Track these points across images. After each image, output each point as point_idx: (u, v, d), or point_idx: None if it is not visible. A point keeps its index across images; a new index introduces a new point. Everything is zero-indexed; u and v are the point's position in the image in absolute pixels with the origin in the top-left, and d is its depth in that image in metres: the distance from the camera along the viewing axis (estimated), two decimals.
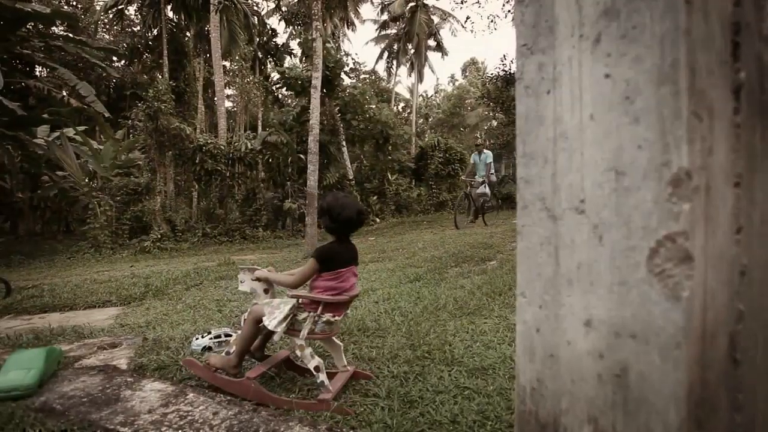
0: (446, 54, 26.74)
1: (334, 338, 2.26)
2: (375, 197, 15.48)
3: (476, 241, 6.79)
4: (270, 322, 1.97)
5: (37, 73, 16.66)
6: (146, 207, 12.35)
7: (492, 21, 11.08)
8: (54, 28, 15.13)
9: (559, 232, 0.66)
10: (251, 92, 19.55)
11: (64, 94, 13.48)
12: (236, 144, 13.21)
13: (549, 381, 0.67)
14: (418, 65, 25.86)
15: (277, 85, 21.02)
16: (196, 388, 1.98)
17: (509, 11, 10.75)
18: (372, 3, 24.48)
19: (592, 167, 0.62)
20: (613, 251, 0.60)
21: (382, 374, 2.19)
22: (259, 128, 22.34)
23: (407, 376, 2.14)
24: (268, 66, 25.17)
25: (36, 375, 1.91)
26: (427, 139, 19.50)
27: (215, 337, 2.80)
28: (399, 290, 4.12)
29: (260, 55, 23.60)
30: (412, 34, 23.80)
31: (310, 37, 12.82)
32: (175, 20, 19.95)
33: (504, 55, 16.16)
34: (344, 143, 15.14)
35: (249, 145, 13.26)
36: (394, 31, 26.36)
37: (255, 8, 22.46)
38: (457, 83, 39.52)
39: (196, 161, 12.23)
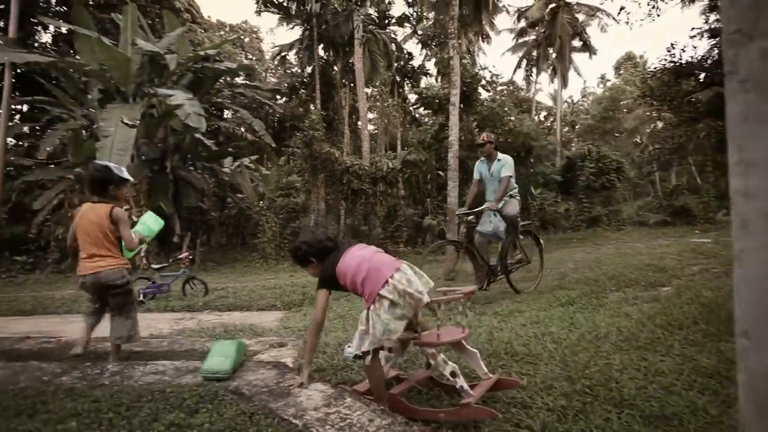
0: (594, 53, 24.38)
1: (467, 345, 2.23)
2: None
3: (642, 262, 5.91)
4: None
5: (225, 115, 20.49)
6: (302, 223, 13.98)
7: (654, 6, 9.52)
8: (236, 78, 18.52)
9: None
10: (391, 114, 20.75)
11: (242, 130, 16.23)
12: (378, 164, 14.13)
13: None
14: (561, 69, 24.11)
15: (415, 106, 21.87)
16: (352, 393, 2.12)
17: None
18: (507, 12, 23.84)
19: None
20: None
21: (535, 405, 2.03)
22: (399, 148, 23.50)
23: (565, 412, 1.94)
24: (406, 88, 26.46)
25: (231, 363, 2.31)
26: (574, 149, 17.92)
27: None
28: (549, 314, 3.80)
29: (398, 79, 24.98)
30: (553, 38, 22.35)
31: (446, 56, 13.08)
32: (324, 57, 22.54)
33: (672, 44, 13.67)
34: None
35: (390, 164, 14.05)
36: (532, 37, 25.15)
37: (392, 36, 23.96)
38: (608, 83, 35.62)
39: (344, 182, 13.44)
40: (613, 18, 21.85)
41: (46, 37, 20.39)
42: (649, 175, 24.28)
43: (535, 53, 25.07)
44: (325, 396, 2.00)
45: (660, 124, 21.97)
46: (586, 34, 24.33)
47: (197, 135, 12.18)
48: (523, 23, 24.90)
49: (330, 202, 14.98)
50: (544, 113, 34.42)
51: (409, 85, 26.13)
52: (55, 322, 4.93)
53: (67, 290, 7.88)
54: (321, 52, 21.88)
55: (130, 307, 2.85)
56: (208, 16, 31.10)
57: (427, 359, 2.19)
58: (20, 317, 5.52)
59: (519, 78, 28.22)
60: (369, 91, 22.47)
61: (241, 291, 6.76)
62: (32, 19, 17.26)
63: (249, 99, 18.56)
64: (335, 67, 22.79)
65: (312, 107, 19.77)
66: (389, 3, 22.06)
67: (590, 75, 70.73)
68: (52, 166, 12.46)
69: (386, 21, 23.72)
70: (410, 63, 25.47)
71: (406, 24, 23.16)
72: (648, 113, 23.53)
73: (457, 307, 2.61)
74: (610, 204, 15.11)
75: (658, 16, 10.41)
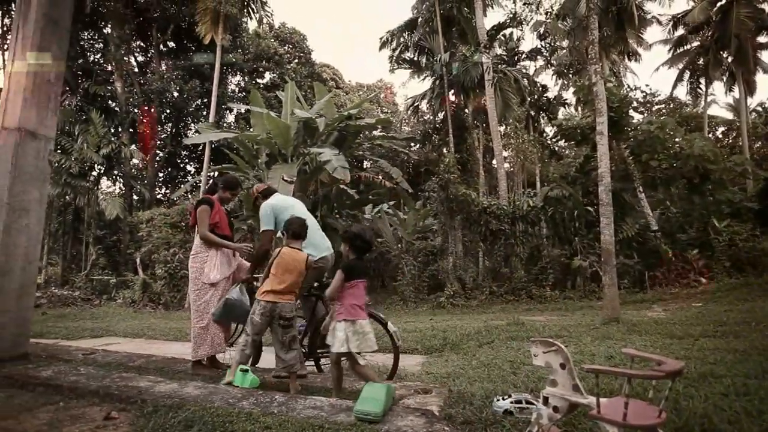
0: None
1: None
2: (695, 251, 12.06)
3: None
4: None
5: (365, 165, 22.27)
6: (440, 266, 13.91)
7: None
8: (374, 131, 20.16)
9: None
10: (527, 150, 19.87)
11: (381, 178, 17.32)
12: (518, 203, 13.49)
13: None
14: (743, 73, 20.17)
15: (554, 139, 20.60)
16: None
17: None
18: (659, 23, 21.23)
19: None
20: None
21: None
22: (538, 184, 22.21)
23: None
24: (542, 121, 25.26)
25: (382, 406, 2.35)
26: None
27: (516, 402, 2.69)
28: (764, 383, 2.91)
29: (532, 113, 24.05)
30: (727, 39, 18.94)
31: (587, 83, 12.14)
32: (455, 102, 23.07)
33: None
34: (641, 189, 13.01)
35: (530, 202, 13.29)
36: (696, 44, 21.80)
37: (524, 70, 23.40)
38: None
39: (481, 223, 13.10)
40: None
41: (230, 118, 25.54)
42: None
43: (701, 61, 21.57)
44: None
45: None
46: None
47: (342, 186, 13.42)
48: (681, 31, 21.84)
49: (467, 243, 14.70)
50: (721, 129, 28.87)
51: (545, 118, 24.92)
52: None
53: None
54: (452, 97, 22.50)
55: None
56: (349, 80, 35.22)
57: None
58: None
59: (681, 93, 24.48)
60: (502, 129, 22.10)
61: (384, 333, 6.88)
62: (223, 106, 21.86)
63: (386, 149, 19.94)
64: (467, 110, 23.12)
65: (446, 151, 20.19)
66: (518, 39, 21.84)
67: None
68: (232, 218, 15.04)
69: (516, 57, 23.42)
70: (545, 95, 24.42)
71: (538, 57, 22.50)
72: None
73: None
74: None
75: None
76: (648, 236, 12.38)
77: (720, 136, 28.66)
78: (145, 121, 20.24)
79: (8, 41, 17.37)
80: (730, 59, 20.63)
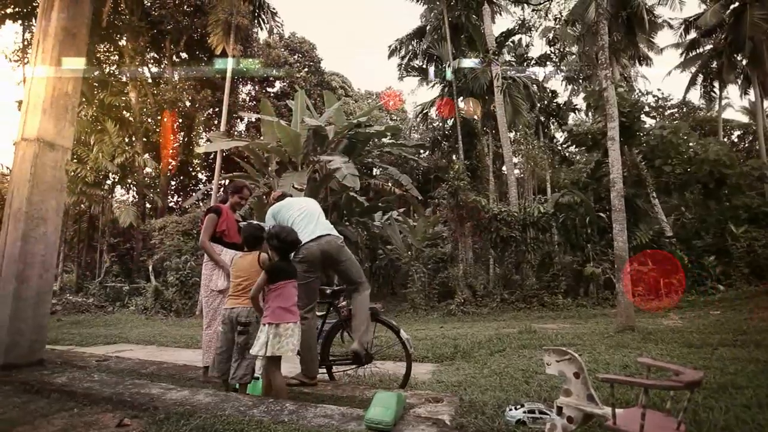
0: None
1: None
2: (712, 257, 11.82)
3: None
4: None
5: (374, 173, 22.33)
6: (450, 273, 13.83)
7: None
8: (383, 139, 20.24)
9: None
10: (537, 156, 19.76)
11: (390, 185, 17.37)
12: (528, 209, 13.37)
13: None
14: (758, 76, 19.84)
15: (564, 144, 20.47)
16: None
17: None
18: (670, 27, 21.02)
19: None
20: None
21: None
22: (548, 190, 22.05)
23: None
24: (552, 127, 25.12)
25: (392, 414, 2.33)
26: None
27: (529, 412, 2.65)
28: None
29: (542, 119, 23.93)
30: (741, 41, 18.68)
31: (597, 88, 12.06)
32: (464, 109, 23.05)
33: None
34: (654, 195, 12.82)
35: (541, 209, 13.17)
36: (708, 47, 21.54)
37: (533, 76, 23.32)
38: None
39: (492, 229, 13.01)
40: None
41: (241, 127, 25.88)
42: None
43: (715, 64, 21.28)
44: None
45: None
46: None
47: (352, 193, 13.46)
48: (693, 34, 21.60)
49: (478, 250, 14.61)
50: (737, 133, 28.38)
51: (555, 124, 24.80)
52: None
53: None
54: (461, 104, 22.51)
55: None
56: (358, 89, 35.48)
57: None
58: None
59: (694, 97, 24.17)
60: (512, 135, 22.03)
61: (394, 340, 6.84)
62: (234, 115, 22.16)
63: (395, 156, 19.97)
64: (476, 117, 23.09)
65: (455, 157, 20.17)
66: (527, 45, 21.80)
67: None
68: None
69: (525, 64, 23.37)
70: (554, 101, 24.31)
71: (547, 63, 22.44)
72: None
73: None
74: None
75: None
76: (663, 243, 12.17)
77: (736, 140, 28.19)
78: (158, 130, 20.62)
79: (28, 55, 17.86)
80: (744, 62, 20.32)
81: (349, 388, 3.48)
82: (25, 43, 18.88)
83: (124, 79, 21.28)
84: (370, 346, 3.52)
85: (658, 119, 25.25)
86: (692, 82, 22.71)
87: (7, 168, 18.24)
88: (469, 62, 20.12)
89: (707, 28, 20.24)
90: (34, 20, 17.08)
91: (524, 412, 2.65)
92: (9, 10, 18.06)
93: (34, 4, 17.31)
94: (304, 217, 3.36)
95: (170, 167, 22.52)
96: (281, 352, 2.81)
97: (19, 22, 18.52)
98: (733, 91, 22.28)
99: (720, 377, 3.37)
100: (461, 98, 21.72)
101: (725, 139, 24.22)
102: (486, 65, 17.82)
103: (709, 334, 5.60)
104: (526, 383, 3.72)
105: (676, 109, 27.61)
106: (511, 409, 2.72)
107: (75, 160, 16.82)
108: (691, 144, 12.32)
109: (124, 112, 20.87)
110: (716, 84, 22.12)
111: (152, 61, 23.27)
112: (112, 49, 21.72)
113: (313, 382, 3.26)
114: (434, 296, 13.32)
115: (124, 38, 20.65)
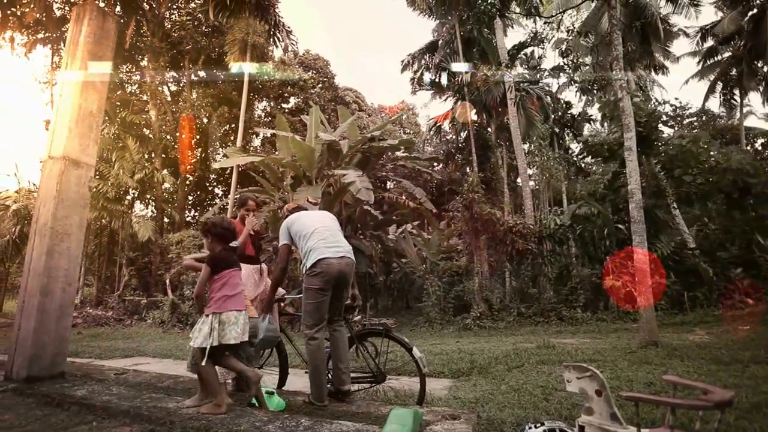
0: None
1: None
2: (739, 269, 11.42)
3: None
4: None
5: (388, 186, 22.40)
6: (466, 287, 13.67)
7: None
8: (397, 152, 20.36)
9: None
10: (553, 168, 19.57)
11: (404, 198, 17.35)
12: (545, 222, 13.21)
13: None
14: None
15: (580, 155, 20.24)
16: None
17: None
18: (686, 35, 20.80)
19: None
20: None
21: None
22: (564, 202, 21.76)
23: None
24: (566, 138, 24.92)
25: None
26: None
27: (549, 430, 2.57)
28: None
29: (557, 130, 23.76)
30: (761, 48, 18.36)
31: (612, 98, 11.95)
32: (478, 121, 23.09)
33: None
34: (675, 205, 12.54)
35: (557, 221, 12.99)
36: (727, 54, 21.22)
37: (547, 87, 23.26)
38: None
39: (507, 242, 12.86)
40: None
41: (257, 142, 26.34)
42: None
43: (734, 71, 20.92)
44: None
45: None
46: None
47: (366, 206, 13.50)
48: (710, 42, 21.34)
49: (493, 264, 14.43)
50: (761, 141, 27.69)
51: (570, 135, 24.60)
52: None
53: None
54: (474, 117, 22.54)
55: None
56: (371, 103, 35.84)
57: None
58: None
59: (714, 105, 23.74)
60: (527, 146, 21.93)
61: (408, 355, 6.75)
62: (250, 130, 22.60)
63: (409, 169, 20.03)
64: (489, 129, 23.08)
65: (469, 170, 20.13)
66: (540, 58, 21.80)
67: None
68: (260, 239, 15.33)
69: (538, 75, 23.36)
70: (569, 112, 24.16)
71: (560, 74, 22.38)
72: None
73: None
74: None
75: None
76: (685, 254, 11.84)
77: (759, 148, 27.49)
78: (176, 146, 21.13)
79: (56, 77, 18.57)
80: (765, 68, 19.95)
81: (364, 404, 3.44)
82: (54, 66, 19.69)
83: (144, 97, 21.98)
84: (384, 364, 3.52)
85: (676, 128, 24.86)
86: (711, 90, 22.34)
87: (35, 185, 18.86)
88: (482, 75, 20.21)
89: (725, 35, 19.98)
90: (62, 44, 17.82)
91: (544, 431, 2.57)
92: (40, 36, 18.96)
93: (63, 29, 18.10)
94: (328, 229, 3.28)
95: (187, 182, 23.00)
96: (225, 341, 2.76)
97: (49, 46, 19.38)
98: (754, 98, 21.79)
99: (753, 396, 3.23)
100: (474, 110, 21.77)
101: (748, 147, 23.66)
102: (499, 78, 17.85)
103: (738, 351, 5.39)
104: (546, 400, 3.64)
105: (695, 118, 27.15)
106: (530, 428, 2.64)
107: (97, 177, 17.31)
108: (712, 153, 12.06)
109: (144, 130, 21.49)
110: (737, 91, 21.71)
111: (171, 79, 24.02)
112: (134, 69, 22.50)
113: (323, 405, 3.17)
114: (449, 310, 13.17)
115: (146, 59, 21.38)
